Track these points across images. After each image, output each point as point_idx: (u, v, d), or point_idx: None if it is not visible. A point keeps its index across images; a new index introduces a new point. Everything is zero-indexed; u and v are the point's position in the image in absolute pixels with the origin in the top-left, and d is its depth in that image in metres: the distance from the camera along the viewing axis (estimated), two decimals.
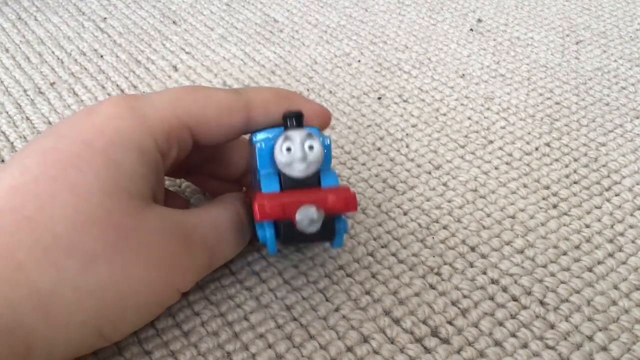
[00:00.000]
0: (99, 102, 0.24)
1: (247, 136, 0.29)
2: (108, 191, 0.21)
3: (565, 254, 0.29)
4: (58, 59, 0.45)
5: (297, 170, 0.23)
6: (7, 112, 0.39)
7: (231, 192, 0.30)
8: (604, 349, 0.25)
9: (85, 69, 0.44)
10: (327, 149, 0.24)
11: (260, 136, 0.25)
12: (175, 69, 0.44)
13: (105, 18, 0.50)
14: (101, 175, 0.22)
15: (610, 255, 0.29)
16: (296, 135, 0.23)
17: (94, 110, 0.23)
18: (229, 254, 0.26)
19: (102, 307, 0.21)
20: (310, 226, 0.22)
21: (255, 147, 0.24)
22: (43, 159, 0.22)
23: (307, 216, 0.22)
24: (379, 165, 0.35)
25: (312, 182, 0.23)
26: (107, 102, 0.24)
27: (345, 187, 0.23)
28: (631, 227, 0.31)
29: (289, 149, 0.23)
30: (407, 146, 0.36)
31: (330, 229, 0.23)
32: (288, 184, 0.23)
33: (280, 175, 0.23)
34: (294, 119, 0.24)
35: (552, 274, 0.28)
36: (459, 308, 0.27)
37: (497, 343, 0.25)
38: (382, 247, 0.30)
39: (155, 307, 0.23)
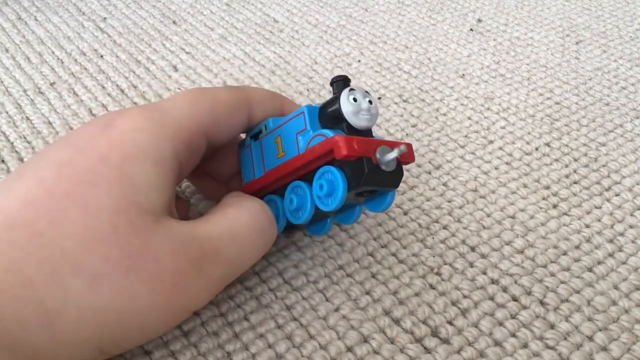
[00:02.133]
0: (116, 113, 0.24)
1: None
2: (117, 208, 0.21)
3: (565, 254, 0.29)
4: (58, 59, 0.45)
5: (364, 119, 0.24)
6: (7, 112, 0.39)
7: (221, 194, 0.28)
8: (604, 349, 0.25)
9: (85, 69, 0.44)
10: None
11: (261, 130, 0.27)
12: (175, 69, 0.44)
13: (105, 18, 0.50)
14: (113, 192, 0.21)
15: (610, 255, 0.29)
16: (358, 89, 0.24)
17: (112, 123, 0.23)
18: (251, 261, 0.25)
19: (105, 326, 0.21)
20: (389, 165, 0.23)
21: (304, 109, 0.25)
22: (59, 173, 0.21)
23: (386, 156, 0.23)
24: None
25: (369, 135, 0.25)
26: (125, 114, 0.23)
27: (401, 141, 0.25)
28: (631, 227, 0.31)
29: (355, 99, 0.24)
30: None
31: (399, 174, 0.24)
32: (351, 133, 0.24)
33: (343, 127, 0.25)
34: (344, 79, 0.25)
35: (552, 274, 0.28)
36: (459, 308, 0.27)
37: (497, 343, 0.25)
38: (382, 247, 0.30)
39: (160, 327, 0.23)
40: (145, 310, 0.21)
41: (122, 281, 0.21)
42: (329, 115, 0.25)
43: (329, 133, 0.24)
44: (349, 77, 0.26)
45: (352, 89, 0.24)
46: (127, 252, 0.21)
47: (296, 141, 0.25)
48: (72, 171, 0.22)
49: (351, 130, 0.24)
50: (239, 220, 0.24)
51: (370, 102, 0.24)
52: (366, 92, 0.25)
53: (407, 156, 0.25)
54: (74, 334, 0.20)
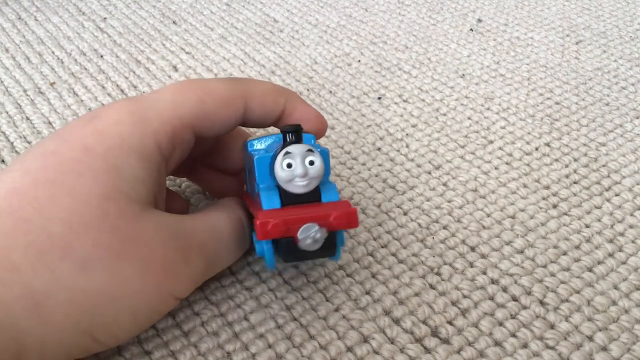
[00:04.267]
0: (102, 107, 0.24)
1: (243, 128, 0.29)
2: (107, 195, 0.21)
3: (565, 254, 0.29)
4: (58, 59, 0.45)
5: (299, 186, 0.23)
6: (7, 112, 0.39)
7: (231, 187, 0.30)
8: (604, 349, 0.25)
9: (85, 69, 0.44)
10: (325, 160, 0.24)
11: (257, 145, 0.25)
12: (175, 69, 0.44)
13: (105, 18, 0.50)
14: (101, 179, 0.22)
15: (610, 255, 0.29)
16: (297, 150, 0.22)
17: (97, 115, 0.23)
18: (228, 261, 0.26)
19: (95, 310, 0.21)
20: (313, 245, 0.22)
21: (254, 159, 0.24)
22: (43, 162, 0.22)
23: (309, 235, 0.22)
24: (379, 165, 0.35)
25: (312, 197, 0.23)
26: (110, 107, 0.24)
27: (346, 202, 0.23)
28: (631, 227, 0.31)
29: (289, 165, 0.22)
30: (407, 146, 0.36)
31: (332, 245, 0.23)
32: (288, 199, 0.23)
33: (280, 189, 0.23)
34: (292, 134, 0.23)
35: (552, 274, 0.28)
36: (459, 308, 0.27)
37: (497, 343, 0.25)
38: (382, 247, 0.30)
39: (150, 312, 0.23)
40: (135, 294, 0.22)
41: (113, 265, 0.21)
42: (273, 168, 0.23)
43: (262, 196, 0.23)
44: (300, 126, 0.23)
45: (287, 152, 0.22)
46: (117, 237, 0.21)
47: (254, 185, 0.25)
48: (56, 160, 0.22)
49: (288, 194, 0.23)
50: (220, 221, 0.25)
51: (312, 162, 0.22)
52: (309, 150, 0.22)
53: (346, 224, 0.23)
54: (63, 317, 0.20)
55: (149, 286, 0.22)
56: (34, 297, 0.20)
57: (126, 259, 0.21)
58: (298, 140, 0.23)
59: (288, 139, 0.23)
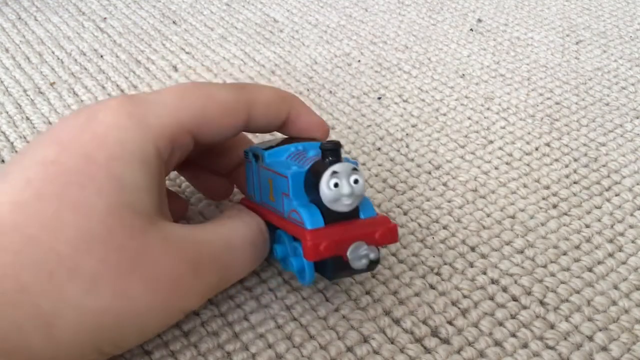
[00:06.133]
0: (98, 105, 0.23)
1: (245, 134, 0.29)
2: (111, 209, 0.21)
3: (565, 254, 0.29)
4: (58, 59, 0.45)
5: (344, 205, 0.23)
6: (7, 112, 0.39)
7: (221, 187, 0.30)
8: (604, 349, 0.25)
9: (85, 69, 0.44)
10: None
11: (271, 157, 0.25)
12: (175, 69, 0.44)
13: (105, 18, 0.50)
14: (104, 192, 0.21)
15: (610, 255, 0.29)
16: (342, 170, 0.23)
17: (95, 117, 0.22)
18: (243, 273, 0.25)
19: (104, 328, 0.21)
20: (363, 263, 0.23)
21: (288, 175, 0.24)
22: (45, 173, 0.21)
23: (359, 255, 0.22)
24: (379, 165, 0.35)
25: (351, 214, 0.24)
26: (107, 108, 0.23)
27: (385, 218, 0.24)
28: (631, 227, 0.31)
29: (336, 185, 0.22)
30: (407, 146, 0.36)
31: (376, 261, 0.23)
32: (330, 216, 0.23)
33: (318, 205, 0.23)
34: (333, 153, 0.23)
35: (552, 274, 0.28)
36: (459, 308, 0.27)
37: (497, 343, 0.25)
38: (382, 247, 0.30)
39: (157, 327, 0.23)
40: (142, 312, 0.21)
41: (120, 284, 0.21)
42: (312, 185, 0.23)
43: (304, 214, 0.23)
44: (340, 143, 0.24)
45: (334, 172, 0.22)
46: (124, 254, 0.21)
47: (282, 200, 0.25)
48: (58, 171, 0.21)
49: (329, 212, 0.23)
50: (236, 232, 0.25)
51: (356, 181, 0.23)
52: (354, 168, 0.23)
53: (389, 240, 0.23)
54: (73, 336, 0.20)
55: (158, 303, 0.22)
56: (44, 318, 0.20)
57: (133, 277, 0.21)
58: (338, 158, 0.23)
59: (329, 158, 0.23)
